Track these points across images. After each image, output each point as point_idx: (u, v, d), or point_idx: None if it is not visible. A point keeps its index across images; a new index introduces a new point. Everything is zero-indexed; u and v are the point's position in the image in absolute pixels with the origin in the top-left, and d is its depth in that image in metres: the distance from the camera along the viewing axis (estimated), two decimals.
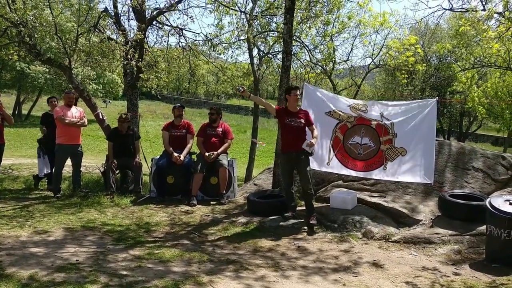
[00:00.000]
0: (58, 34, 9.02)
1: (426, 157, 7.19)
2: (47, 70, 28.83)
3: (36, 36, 9.07)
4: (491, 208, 5.30)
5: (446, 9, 13.13)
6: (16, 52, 10.80)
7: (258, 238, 6.20)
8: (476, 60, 19.02)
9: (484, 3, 11.13)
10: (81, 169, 8.95)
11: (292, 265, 5.17)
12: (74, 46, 9.40)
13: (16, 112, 36.35)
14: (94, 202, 7.93)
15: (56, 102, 9.52)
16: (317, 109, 7.63)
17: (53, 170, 8.87)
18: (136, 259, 5.09)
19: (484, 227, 5.70)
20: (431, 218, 6.83)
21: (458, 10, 13.43)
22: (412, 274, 4.96)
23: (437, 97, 8.41)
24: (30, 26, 8.59)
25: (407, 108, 7.51)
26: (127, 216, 7.24)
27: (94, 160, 15.81)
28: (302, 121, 6.81)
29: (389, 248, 5.94)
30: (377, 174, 7.52)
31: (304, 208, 6.87)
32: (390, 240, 6.19)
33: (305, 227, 6.56)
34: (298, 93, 6.90)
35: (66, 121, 8.32)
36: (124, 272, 4.62)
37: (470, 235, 6.06)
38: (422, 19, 16.71)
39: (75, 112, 8.59)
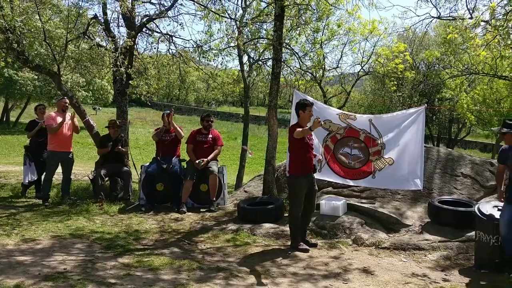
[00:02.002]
0: (47, 41, 8.97)
1: (415, 164, 7.25)
2: (36, 77, 28.64)
3: (24, 42, 9.01)
4: (480, 214, 5.33)
5: (434, 17, 13.26)
6: (3, 58, 10.72)
7: (248, 245, 6.18)
8: (464, 68, 19.22)
9: (471, 11, 11.27)
10: (71, 177, 8.87)
11: (282, 272, 5.16)
12: (63, 53, 9.36)
13: (4, 119, 36.07)
14: (82, 210, 7.86)
15: (44, 110, 9.44)
16: None
17: (43, 177, 8.78)
18: (125, 267, 5.05)
19: (473, 233, 5.73)
20: (421, 224, 6.86)
21: (446, 18, 13.60)
22: (402, 281, 4.97)
23: (425, 104, 8.49)
24: (18, 33, 8.53)
25: (396, 118, 7.61)
26: (116, 223, 7.18)
27: (83, 168, 15.69)
28: (313, 137, 6.38)
29: (379, 254, 5.95)
30: (366, 182, 7.61)
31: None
32: (380, 246, 6.20)
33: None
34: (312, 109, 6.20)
35: (53, 126, 8.24)
36: (113, 281, 4.58)
37: (459, 241, 6.09)
38: (410, 27, 16.82)
39: (68, 118, 8.53)
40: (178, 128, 8.55)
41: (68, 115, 8.58)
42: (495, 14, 7.14)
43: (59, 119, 8.31)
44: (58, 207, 8.11)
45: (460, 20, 9.20)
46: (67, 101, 8.74)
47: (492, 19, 7.06)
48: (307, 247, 6.00)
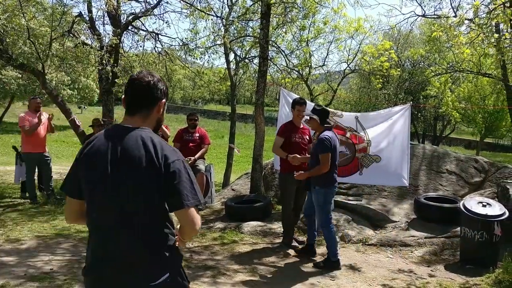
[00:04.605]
0: (31, 39, 8.86)
1: (401, 161, 7.32)
2: (20, 75, 28.26)
3: (7, 40, 8.89)
4: (464, 210, 5.40)
5: (419, 16, 13.41)
6: None
7: (235, 243, 6.19)
8: (448, 65, 19.42)
9: (455, 10, 11.40)
10: (52, 175, 8.75)
11: (269, 269, 5.17)
12: (47, 51, 9.24)
13: None
14: None
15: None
16: None
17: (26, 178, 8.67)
18: None
19: (458, 229, 5.80)
20: (407, 221, 6.92)
21: (431, 16, 13.73)
22: (389, 277, 5.02)
23: (411, 102, 8.57)
24: (1, 31, 8.41)
25: (382, 115, 7.68)
26: None
27: (68, 167, 15.54)
28: (307, 137, 6.24)
29: (366, 251, 5.99)
30: (353, 179, 7.66)
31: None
32: (367, 243, 6.25)
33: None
34: (304, 108, 6.15)
35: (26, 128, 8.12)
36: None
37: (444, 237, 6.16)
38: (395, 25, 16.95)
39: (44, 118, 8.39)
40: (164, 128, 8.51)
41: (44, 115, 8.43)
42: (479, 13, 7.22)
43: (34, 120, 8.18)
44: (43, 207, 8.04)
45: (445, 19, 9.28)
46: (40, 101, 8.62)
47: (476, 17, 7.13)
48: (298, 245, 6.04)
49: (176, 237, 2.14)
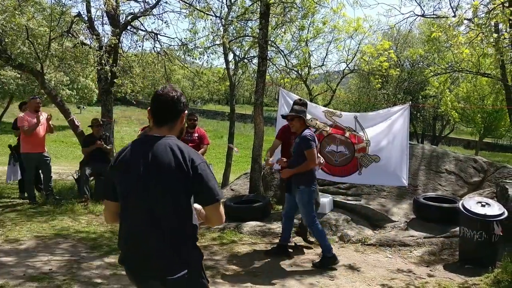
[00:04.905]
0: (30, 39, 8.85)
1: (400, 161, 7.32)
2: (19, 75, 28.23)
3: (6, 40, 8.88)
4: (463, 210, 5.40)
5: (418, 15, 13.41)
6: None
7: (234, 243, 6.19)
8: (447, 65, 19.43)
9: (454, 9, 11.41)
10: (51, 175, 8.74)
11: (268, 269, 5.17)
12: (46, 51, 9.23)
13: None
14: (67, 210, 7.78)
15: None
16: None
17: (24, 178, 8.65)
18: (111, 267, 5.01)
19: (457, 229, 5.80)
20: (406, 221, 6.93)
21: (430, 16, 13.74)
22: (388, 277, 5.02)
23: (410, 102, 8.58)
24: (0, 31, 8.40)
25: (381, 115, 7.68)
26: (101, 223, 7.12)
27: (68, 167, 15.55)
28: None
29: (365, 251, 5.99)
30: (352, 179, 7.65)
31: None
32: (366, 243, 6.25)
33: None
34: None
35: (25, 128, 8.08)
36: (99, 280, 4.55)
37: (443, 237, 6.16)
38: (395, 25, 17.00)
39: (42, 119, 8.36)
40: None
41: (43, 115, 8.41)
42: (478, 13, 7.23)
43: (33, 120, 8.15)
44: (42, 207, 8.02)
45: (444, 19, 9.29)
46: (39, 101, 8.58)
47: (475, 17, 7.14)
48: (309, 244, 6.15)
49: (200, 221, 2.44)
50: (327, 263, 5.26)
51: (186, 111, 2.47)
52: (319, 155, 5.95)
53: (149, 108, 2.48)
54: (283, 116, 5.83)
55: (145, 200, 2.26)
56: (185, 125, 2.47)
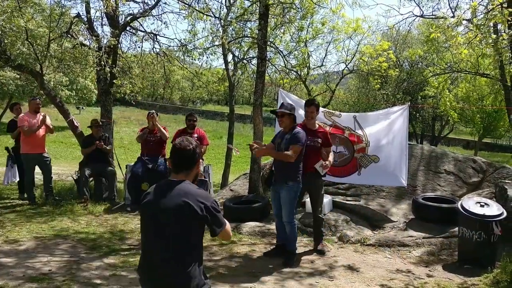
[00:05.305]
0: (29, 40, 8.85)
1: (399, 161, 7.32)
2: (18, 76, 28.21)
3: (6, 41, 8.88)
4: (462, 211, 5.41)
5: (417, 16, 13.45)
6: None
7: (234, 244, 6.18)
8: (446, 66, 19.45)
9: (453, 10, 11.43)
10: (52, 176, 8.73)
11: (268, 270, 5.17)
12: (45, 52, 9.23)
13: None
14: (67, 210, 7.78)
15: (20, 109, 9.18)
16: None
17: (24, 179, 8.64)
18: (110, 268, 5.02)
19: (456, 229, 5.81)
20: (405, 221, 6.93)
21: (429, 17, 13.76)
22: (387, 277, 5.02)
23: (409, 102, 8.59)
24: (0, 31, 8.39)
25: (380, 116, 7.68)
26: (101, 224, 7.13)
27: (67, 168, 15.54)
28: (319, 140, 5.86)
29: (364, 251, 6.00)
30: (352, 179, 7.65)
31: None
32: (365, 243, 6.26)
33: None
34: (312, 109, 5.88)
35: (25, 128, 8.06)
36: (98, 281, 4.55)
37: (442, 237, 6.17)
38: (394, 25, 17.01)
39: (42, 119, 8.33)
40: (163, 129, 8.51)
41: (41, 115, 8.38)
42: (477, 13, 7.24)
43: (33, 121, 8.14)
44: (42, 208, 8.02)
45: (443, 19, 9.31)
46: (39, 101, 8.56)
47: (474, 18, 7.15)
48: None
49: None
50: (292, 258, 5.44)
51: (201, 160, 2.81)
52: (329, 160, 5.93)
53: (168, 157, 2.85)
54: (273, 112, 5.84)
55: (159, 236, 2.66)
56: (199, 170, 2.84)
